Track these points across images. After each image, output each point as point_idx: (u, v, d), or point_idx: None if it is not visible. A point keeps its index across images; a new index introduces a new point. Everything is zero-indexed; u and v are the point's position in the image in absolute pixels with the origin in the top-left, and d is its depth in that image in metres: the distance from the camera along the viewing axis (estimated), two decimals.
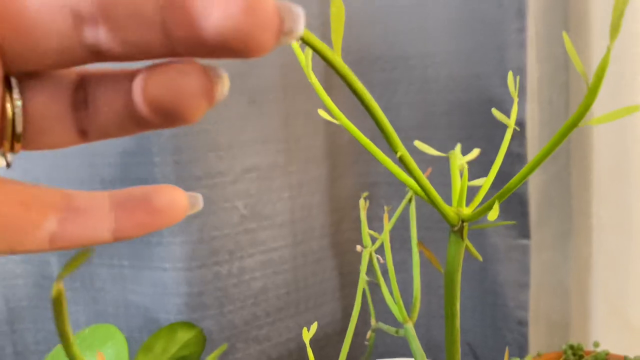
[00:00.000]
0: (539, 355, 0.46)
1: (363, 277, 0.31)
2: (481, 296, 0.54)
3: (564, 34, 0.19)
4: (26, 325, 0.54)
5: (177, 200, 0.17)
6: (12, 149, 0.16)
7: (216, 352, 0.38)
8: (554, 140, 0.19)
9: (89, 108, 0.17)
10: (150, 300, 0.50)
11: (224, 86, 0.15)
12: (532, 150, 0.55)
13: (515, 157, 0.50)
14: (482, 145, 0.34)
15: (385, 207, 0.31)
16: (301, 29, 0.14)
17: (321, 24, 0.52)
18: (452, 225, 0.23)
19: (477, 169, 0.54)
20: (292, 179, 0.53)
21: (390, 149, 0.21)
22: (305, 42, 0.16)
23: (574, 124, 0.18)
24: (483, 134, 0.51)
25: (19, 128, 0.16)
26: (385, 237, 0.31)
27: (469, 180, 0.26)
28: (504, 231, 0.52)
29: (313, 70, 0.26)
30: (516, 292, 0.52)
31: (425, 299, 0.57)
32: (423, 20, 0.52)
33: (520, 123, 0.50)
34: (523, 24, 0.48)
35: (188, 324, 0.43)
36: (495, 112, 0.26)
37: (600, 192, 0.54)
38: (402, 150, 0.20)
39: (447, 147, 0.35)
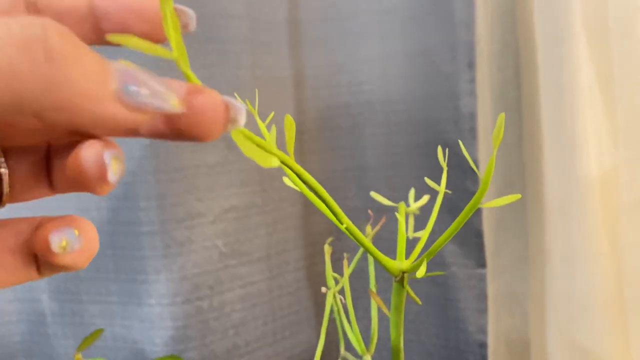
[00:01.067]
0: None
1: (327, 315, 0.35)
2: (445, 322, 0.59)
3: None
4: None
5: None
6: None
7: None
8: (459, 220, 0.24)
9: (56, 171, 0.20)
10: (137, 334, 0.53)
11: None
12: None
13: (470, 195, 0.55)
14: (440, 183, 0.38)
15: (345, 255, 0.36)
16: (243, 120, 0.17)
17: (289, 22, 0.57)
18: (394, 276, 0.27)
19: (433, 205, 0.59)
20: (267, 218, 0.58)
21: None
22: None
23: (472, 209, 0.23)
24: (439, 174, 0.56)
25: (6, 190, 0.19)
26: (345, 280, 0.35)
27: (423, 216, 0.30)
28: (462, 262, 0.57)
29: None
30: (476, 318, 0.57)
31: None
32: (385, 70, 0.57)
33: (475, 162, 0.55)
34: (473, 75, 0.54)
35: (173, 358, 0.47)
36: (440, 152, 0.30)
37: (551, 225, 0.59)
38: (347, 222, 0.24)
39: (408, 185, 0.40)
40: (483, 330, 0.57)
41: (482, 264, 0.56)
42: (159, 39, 0.18)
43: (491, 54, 0.62)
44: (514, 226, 0.64)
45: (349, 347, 0.42)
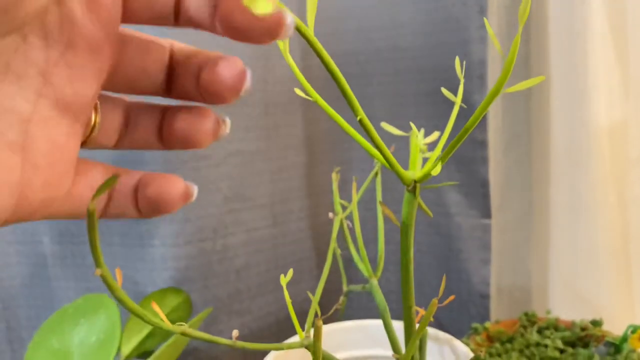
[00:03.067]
0: (497, 321, 0.50)
1: (334, 240, 0.35)
2: (447, 272, 0.58)
3: (485, 20, 0.23)
4: (19, 302, 0.57)
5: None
6: (83, 144, 0.22)
7: (201, 315, 0.42)
8: (479, 111, 0.23)
9: (129, 126, 0.23)
10: (139, 275, 0.53)
11: (226, 128, 0.23)
12: (495, 136, 0.60)
13: (478, 144, 0.54)
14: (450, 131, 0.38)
15: (354, 177, 0.35)
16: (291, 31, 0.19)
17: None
18: (407, 185, 0.27)
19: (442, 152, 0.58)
20: (272, 165, 0.57)
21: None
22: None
23: (496, 93, 0.22)
24: (446, 121, 0.56)
25: (96, 132, 0.22)
26: (354, 205, 0.35)
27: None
28: (467, 212, 0.56)
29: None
30: (479, 268, 0.56)
31: (394, 275, 0.61)
32: (393, 16, 0.56)
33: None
34: (484, 21, 0.53)
35: (177, 290, 0.47)
36: (444, 90, 0.30)
37: (557, 177, 0.59)
38: (361, 115, 0.24)
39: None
40: (486, 282, 0.56)
41: (487, 214, 0.55)
42: None
43: (501, 7, 0.61)
44: (520, 181, 0.64)
45: (353, 282, 0.41)
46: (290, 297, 0.63)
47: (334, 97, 0.62)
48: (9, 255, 0.56)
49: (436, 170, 0.24)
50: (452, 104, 0.30)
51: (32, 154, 0.19)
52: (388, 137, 0.36)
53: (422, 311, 0.32)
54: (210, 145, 0.23)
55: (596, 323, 0.48)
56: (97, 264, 0.20)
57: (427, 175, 0.26)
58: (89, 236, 0.19)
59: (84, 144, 0.22)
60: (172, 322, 0.25)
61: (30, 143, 0.19)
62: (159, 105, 0.23)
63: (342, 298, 0.42)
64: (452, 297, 0.31)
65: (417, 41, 0.55)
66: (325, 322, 0.47)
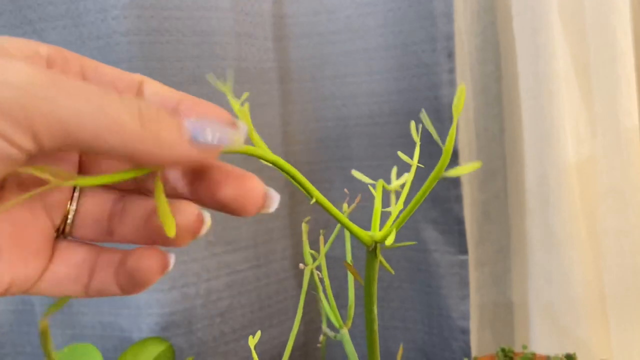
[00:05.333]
0: (475, 358, 0.52)
1: (304, 291, 0.36)
2: (428, 309, 0.60)
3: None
4: (7, 351, 0.58)
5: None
6: (62, 233, 0.23)
7: None
8: (424, 188, 0.25)
9: (120, 216, 0.23)
10: (125, 321, 0.54)
11: (208, 225, 0.23)
12: (468, 175, 0.61)
13: (450, 183, 0.56)
14: (424, 172, 0.40)
15: (321, 231, 0.37)
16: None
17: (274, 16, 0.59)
18: (367, 247, 0.28)
19: (417, 192, 0.60)
20: None
21: None
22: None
23: (436, 177, 0.24)
24: (423, 163, 0.57)
25: (69, 220, 0.23)
26: (321, 257, 0.36)
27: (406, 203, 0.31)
28: (444, 248, 0.58)
29: None
30: (458, 304, 0.58)
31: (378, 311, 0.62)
32: (367, 63, 0.59)
33: (455, 151, 0.56)
34: (453, 65, 0.55)
35: (158, 339, 0.48)
36: (413, 126, 0.31)
37: (531, 212, 0.60)
38: (317, 195, 0.25)
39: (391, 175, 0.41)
40: (465, 317, 0.58)
41: (463, 250, 0.57)
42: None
43: (472, 48, 0.63)
44: (497, 217, 0.66)
45: (332, 326, 0.42)
46: (276, 337, 0.64)
47: (314, 139, 0.63)
48: None
49: (391, 238, 0.26)
50: (427, 144, 0.32)
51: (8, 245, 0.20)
52: (364, 174, 0.38)
53: (401, 349, 0.34)
54: (174, 256, 0.23)
55: (570, 357, 0.49)
56: None
57: (385, 237, 0.28)
58: (44, 351, 0.20)
59: (64, 232, 0.23)
60: None
61: None
62: (149, 198, 0.24)
63: (321, 337, 0.43)
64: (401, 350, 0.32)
65: (390, 86, 0.58)
66: None
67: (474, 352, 0.58)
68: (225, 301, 0.57)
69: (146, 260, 0.22)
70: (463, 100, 0.22)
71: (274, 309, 0.61)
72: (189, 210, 0.22)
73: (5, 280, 0.20)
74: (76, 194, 0.23)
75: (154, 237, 0.23)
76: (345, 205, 0.37)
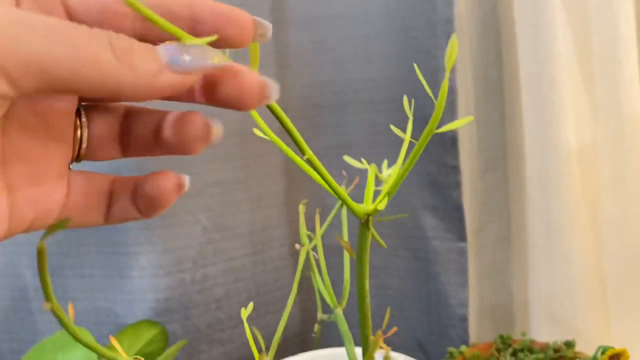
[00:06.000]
0: (473, 345, 0.51)
1: (299, 272, 0.35)
2: (427, 296, 0.59)
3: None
4: (2, 336, 0.57)
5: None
6: (77, 159, 0.24)
7: (174, 347, 0.42)
8: (416, 150, 0.24)
9: (130, 133, 0.24)
10: (119, 307, 0.53)
11: (219, 132, 0.23)
12: (468, 161, 0.61)
13: (450, 169, 0.55)
14: (421, 159, 0.39)
15: (317, 210, 0.36)
16: (276, 96, 0.21)
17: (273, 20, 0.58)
18: (360, 218, 0.28)
19: (417, 178, 0.59)
20: (251, 194, 0.58)
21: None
22: None
23: (430, 131, 0.23)
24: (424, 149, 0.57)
25: (84, 145, 0.23)
26: (317, 237, 0.36)
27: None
28: (443, 235, 0.57)
29: None
30: (456, 291, 0.57)
31: (376, 299, 0.62)
32: (366, 48, 0.58)
33: (453, 138, 0.55)
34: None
35: (151, 322, 0.47)
36: (405, 102, 0.31)
37: (532, 200, 0.60)
38: (309, 154, 0.25)
39: (392, 163, 0.41)
40: (464, 304, 0.57)
41: (462, 237, 0.56)
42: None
43: (472, 34, 0.62)
44: (497, 206, 0.65)
45: (328, 311, 0.42)
46: (272, 325, 0.63)
47: (312, 125, 0.63)
48: None
49: (382, 205, 0.26)
50: (421, 127, 0.31)
51: (11, 177, 0.20)
52: (365, 158, 0.38)
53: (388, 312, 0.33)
54: (188, 175, 0.24)
55: (569, 344, 0.48)
56: (47, 297, 0.21)
57: (377, 209, 0.27)
58: (40, 273, 0.20)
59: (79, 158, 0.24)
60: (147, 355, 0.25)
61: (7, 167, 0.20)
62: (156, 111, 0.24)
63: (316, 326, 0.43)
64: (394, 329, 0.32)
65: (389, 71, 0.57)
66: (302, 350, 0.47)
67: (472, 341, 0.58)
68: (222, 288, 0.56)
69: (162, 182, 0.23)
70: (456, 51, 0.22)
71: (271, 296, 0.60)
72: (197, 119, 0.22)
73: (28, 217, 0.21)
74: (84, 120, 0.23)
75: (166, 149, 0.23)
76: (343, 187, 0.37)
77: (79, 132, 0.23)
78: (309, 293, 0.63)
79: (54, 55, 0.17)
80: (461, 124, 0.23)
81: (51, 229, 0.18)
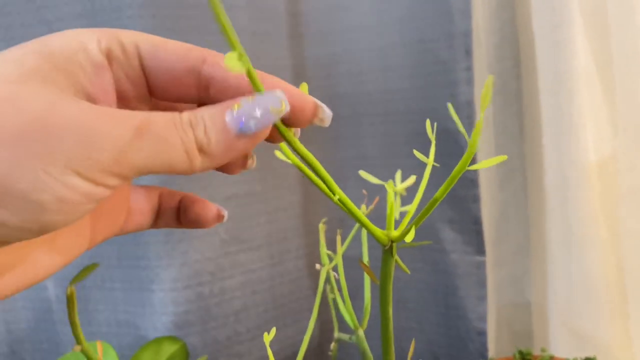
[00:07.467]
0: (491, 359, 0.51)
1: (320, 291, 0.36)
2: (445, 310, 0.59)
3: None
4: (25, 347, 0.58)
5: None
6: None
7: None
8: (447, 184, 0.24)
9: (159, 210, 0.27)
10: (140, 320, 0.54)
11: (224, 216, 0.27)
12: (487, 172, 0.60)
13: (468, 182, 0.55)
14: (439, 171, 0.39)
15: (338, 230, 0.36)
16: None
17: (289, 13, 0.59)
18: (383, 245, 0.28)
19: (433, 192, 0.59)
20: (268, 206, 0.58)
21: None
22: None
23: (461, 170, 0.23)
24: (439, 161, 0.57)
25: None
26: (338, 257, 0.36)
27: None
28: (462, 248, 0.57)
29: None
30: (475, 305, 0.57)
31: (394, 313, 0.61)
32: (383, 60, 0.58)
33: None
34: (470, 62, 0.54)
35: (173, 338, 0.48)
36: (428, 125, 0.31)
37: (551, 212, 0.59)
38: (339, 194, 0.25)
39: (407, 174, 0.41)
40: (483, 318, 0.57)
41: (481, 251, 0.56)
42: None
43: (490, 45, 0.62)
44: (515, 217, 0.65)
45: (345, 329, 0.42)
46: (290, 337, 0.64)
47: (328, 137, 0.63)
48: (15, 300, 0.58)
49: (410, 236, 0.25)
50: (443, 142, 0.31)
51: (100, 217, 0.25)
52: (378, 172, 0.38)
53: (412, 345, 0.33)
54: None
55: None
56: (77, 340, 0.21)
57: (403, 235, 0.27)
58: (69, 315, 0.20)
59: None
60: None
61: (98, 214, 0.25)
62: (177, 193, 0.28)
63: (333, 344, 0.43)
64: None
65: (406, 83, 0.57)
66: None
67: (491, 354, 0.57)
68: (240, 300, 0.56)
69: (205, 212, 0.26)
70: (490, 93, 0.22)
71: (288, 308, 0.60)
72: (212, 208, 0.27)
73: (101, 237, 0.25)
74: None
75: (184, 225, 0.27)
76: (364, 207, 0.37)
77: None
78: (325, 306, 0.63)
79: (155, 162, 0.20)
80: (492, 163, 0.23)
81: (80, 275, 0.19)
